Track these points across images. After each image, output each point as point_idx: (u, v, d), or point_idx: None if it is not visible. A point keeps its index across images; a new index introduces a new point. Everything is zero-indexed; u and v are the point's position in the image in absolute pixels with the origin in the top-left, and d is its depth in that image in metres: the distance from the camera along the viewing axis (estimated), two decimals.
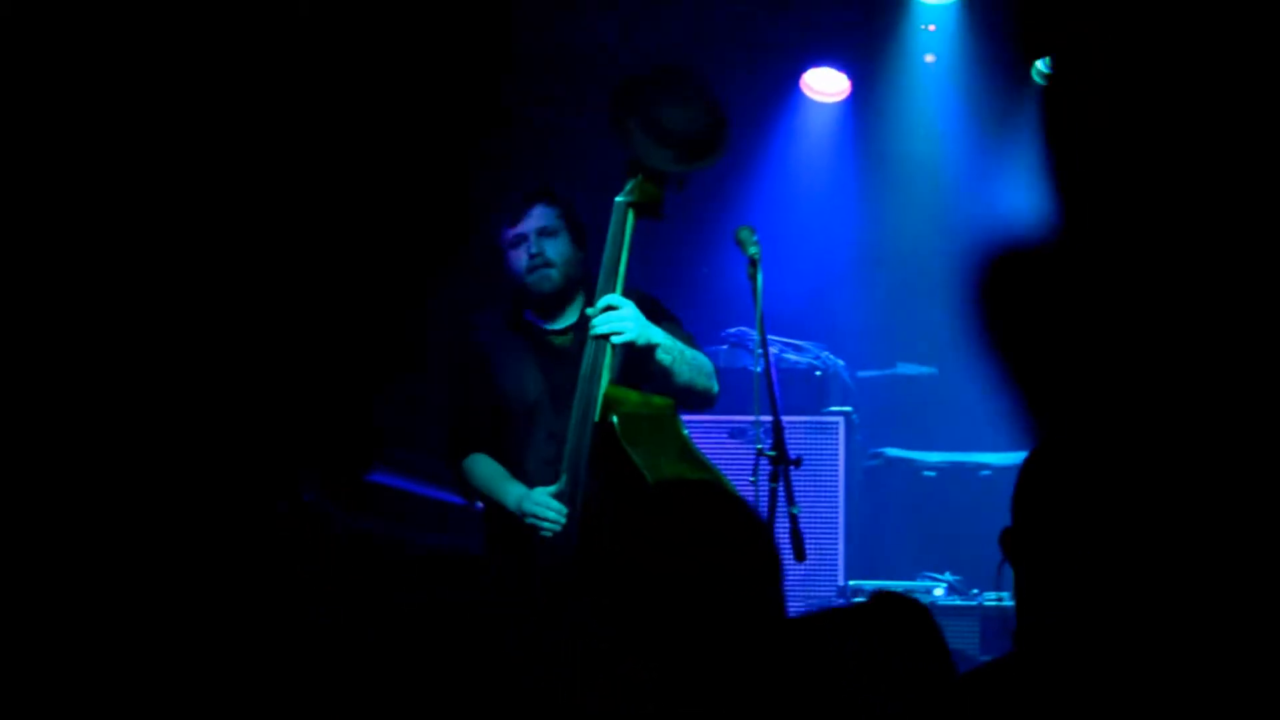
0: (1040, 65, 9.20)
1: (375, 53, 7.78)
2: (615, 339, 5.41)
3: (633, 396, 5.47)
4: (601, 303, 5.46)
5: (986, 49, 9.31)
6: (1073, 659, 2.77)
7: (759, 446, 5.51)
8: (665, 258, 8.71)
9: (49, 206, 6.49)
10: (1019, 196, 9.02)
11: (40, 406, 6.45)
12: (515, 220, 5.81)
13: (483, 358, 5.83)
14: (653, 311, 5.63)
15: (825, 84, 9.44)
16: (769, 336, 5.67)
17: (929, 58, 9.42)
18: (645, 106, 5.59)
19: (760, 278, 5.58)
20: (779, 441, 5.45)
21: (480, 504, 6.11)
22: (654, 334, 5.51)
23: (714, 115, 5.64)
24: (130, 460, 6.72)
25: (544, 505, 5.50)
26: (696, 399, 5.66)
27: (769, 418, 5.50)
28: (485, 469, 5.78)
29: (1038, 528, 2.85)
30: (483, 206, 7.69)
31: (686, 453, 5.45)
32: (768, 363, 5.51)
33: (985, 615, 7.58)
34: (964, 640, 7.52)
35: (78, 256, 6.69)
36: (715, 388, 5.70)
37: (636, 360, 5.51)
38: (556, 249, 5.79)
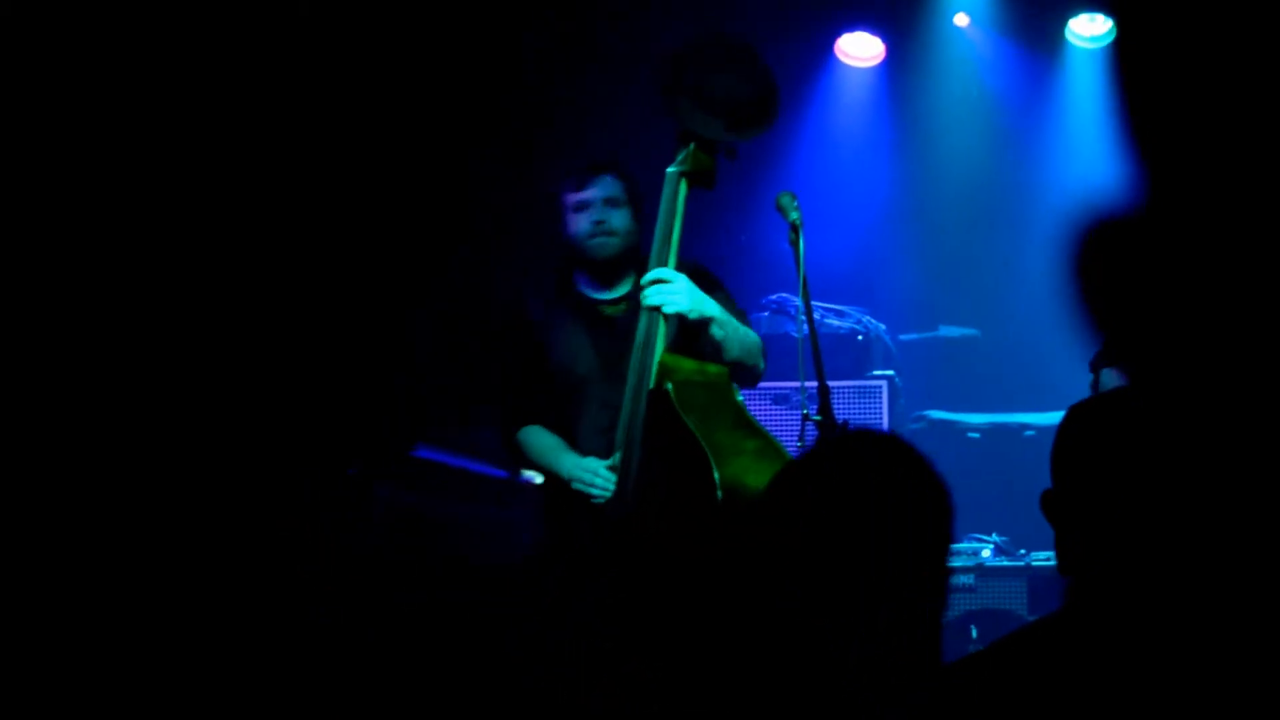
0: (1074, 26, 9.19)
1: (400, 26, 7.80)
2: (667, 309, 5.43)
3: (687, 364, 5.48)
4: (652, 275, 5.48)
5: (1020, 10, 9.30)
6: (1116, 620, 2.78)
7: (805, 411, 5.53)
8: (706, 226, 8.72)
9: (50, 206, 6.53)
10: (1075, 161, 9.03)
11: (55, 398, 6.50)
12: (581, 185, 5.83)
13: (535, 331, 5.86)
14: (707, 284, 5.65)
15: (859, 49, 9.44)
16: (811, 303, 5.68)
17: (962, 20, 9.41)
18: (695, 75, 5.60)
19: (802, 243, 5.59)
20: (825, 406, 5.46)
21: (526, 477, 6.14)
22: (708, 307, 5.53)
23: (764, 82, 5.65)
24: (166, 445, 6.77)
25: (592, 472, 5.53)
26: (744, 375, 5.66)
27: (814, 383, 5.52)
28: (540, 440, 5.81)
29: (1078, 489, 2.86)
30: (535, 178, 7.73)
31: (742, 420, 5.46)
32: (812, 328, 5.51)
33: (1033, 576, 7.59)
34: (1012, 600, 7.53)
35: (93, 253, 6.74)
36: (762, 365, 5.72)
37: (689, 333, 5.52)
38: (620, 219, 5.82)
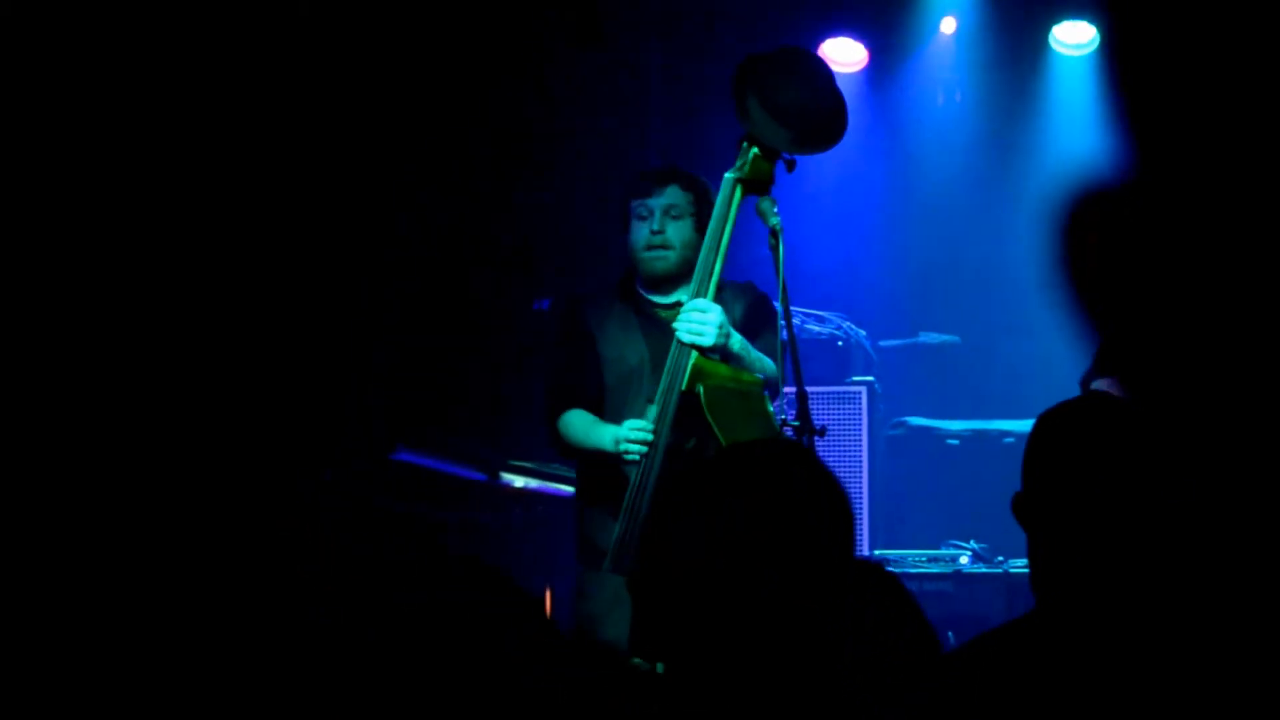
0: (1058, 32, 9.20)
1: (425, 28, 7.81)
2: (697, 344, 5.46)
3: (722, 370, 5.50)
4: (691, 306, 5.50)
5: (1004, 17, 9.31)
6: (1086, 623, 2.78)
7: (783, 417, 5.53)
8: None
9: (40, 206, 6.52)
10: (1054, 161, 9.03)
11: (47, 399, 6.49)
12: (646, 193, 5.82)
13: (588, 333, 5.87)
14: (756, 310, 5.78)
15: (842, 54, 9.44)
16: (791, 308, 5.68)
17: (947, 26, 9.42)
18: (769, 84, 5.60)
19: (782, 249, 5.59)
20: (803, 411, 5.47)
21: (505, 480, 6.14)
22: (732, 341, 5.56)
23: (835, 100, 5.66)
24: (147, 447, 6.75)
25: (634, 427, 5.53)
26: None
27: (792, 389, 5.52)
28: (580, 420, 5.80)
29: (1048, 493, 2.87)
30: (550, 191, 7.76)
31: (770, 431, 5.47)
32: (791, 334, 5.52)
33: (1010, 583, 7.60)
34: (989, 607, 7.54)
35: (87, 252, 6.72)
36: (772, 396, 5.72)
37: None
38: (679, 232, 5.81)
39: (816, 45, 9.38)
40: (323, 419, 7.64)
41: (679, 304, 5.77)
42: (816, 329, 8.34)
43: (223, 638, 5.67)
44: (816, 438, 5.49)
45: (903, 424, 8.62)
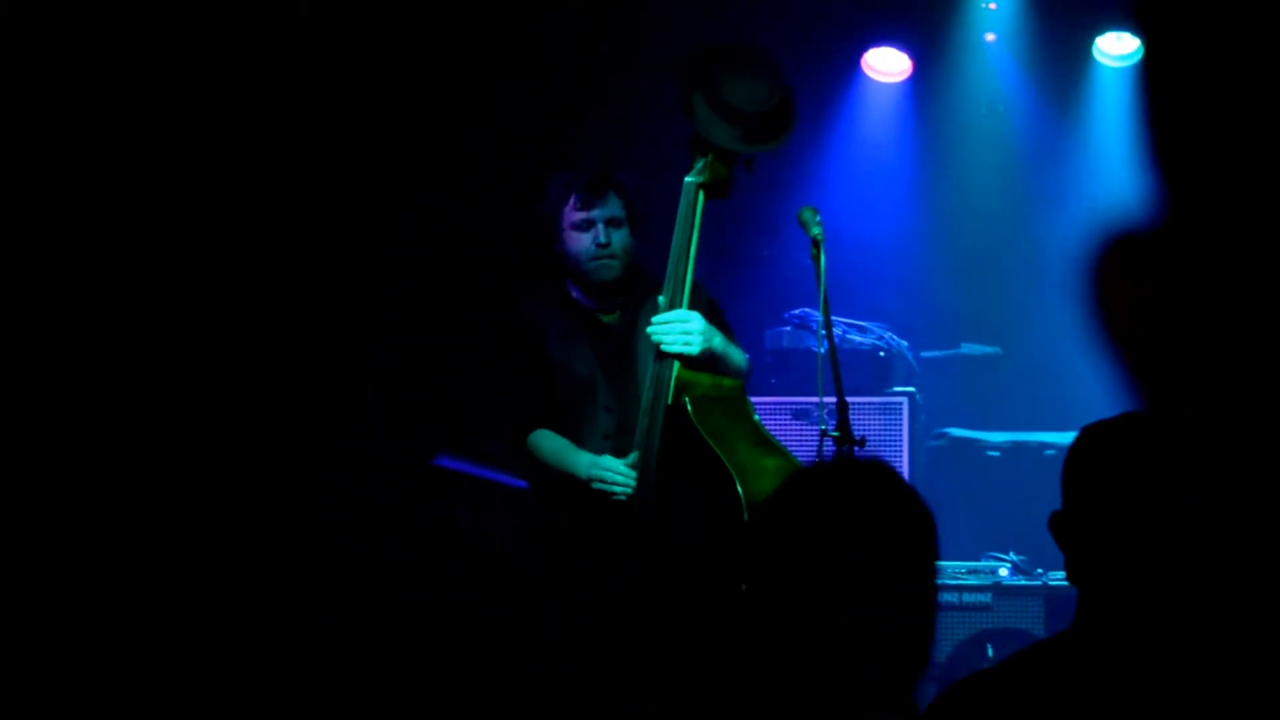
0: (1101, 43, 9.17)
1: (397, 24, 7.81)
2: (688, 354, 5.45)
3: (703, 379, 5.49)
4: (671, 316, 5.49)
5: (1047, 27, 9.28)
6: (1125, 640, 2.77)
7: (823, 427, 5.52)
8: (728, 239, 8.72)
9: (50, 206, 6.54)
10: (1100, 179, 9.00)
11: (57, 399, 6.51)
12: (585, 204, 5.78)
13: (535, 338, 5.85)
14: (710, 312, 5.70)
15: (886, 64, 9.42)
16: (832, 318, 5.67)
17: (990, 37, 9.40)
18: (713, 84, 5.57)
19: (823, 259, 5.58)
20: (843, 422, 5.46)
21: (518, 483, 6.14)
22: (715, 341, 5.55)
23: (783, 93, 5.63)
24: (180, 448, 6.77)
25: (613, 470, 5.53)
26: None
27: (833, 399, 5.51)
28: (552, 443, 5.78)
29: (1086, 509, 2.86)
30: (539, 185, 7.71)
31: (758, 435, 5.47)
32: (832, 344, 5.51)
33: (1050, 595, 7.57)
34: (1029, 620, 7.51)
35: (96, 253, 6.74)
36: (742, 383, 5.71)
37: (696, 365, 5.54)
38: (621, 240, 5.79)
39: (860, 55, 9.36)
40: (325, 419, 7.65)
41: (618, 308, 5.77)
42: (858, 339, 8.33)
43: (222, 637, 5.68)
44: (856, 448, 5.49)
45: (944, 435, 8.60)
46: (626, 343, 5.63)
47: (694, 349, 5.45)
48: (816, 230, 5.61)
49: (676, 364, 5.42)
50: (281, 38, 7.16)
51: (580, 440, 5.70)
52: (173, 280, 6.85)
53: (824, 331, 5.56)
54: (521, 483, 7.90)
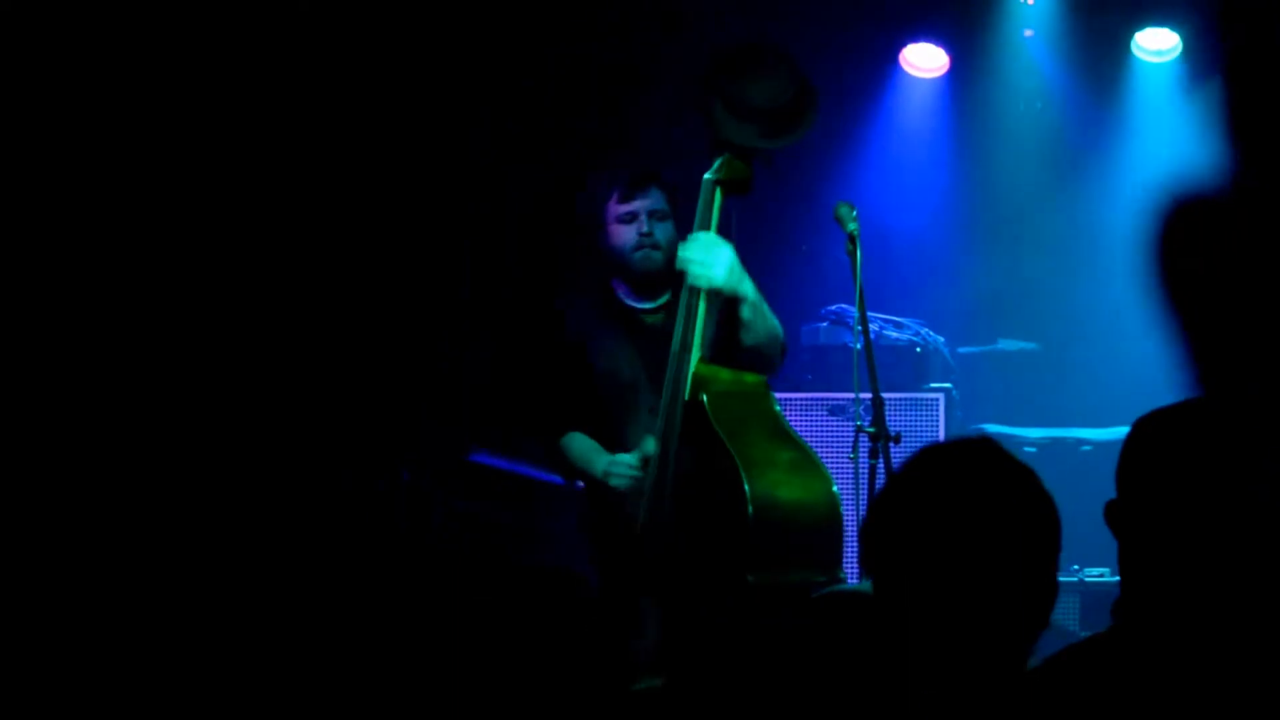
0: (1140, 39, 9.14)
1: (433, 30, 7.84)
2: (703, 282, 5.44)
3: (724, 374, 5.49)
4: (699, 244, 5.50)
5: (1086, 23, 9.26)
6: (1176, 634, 2.76)
7: (859, 423, 5.52)
8: (767, 234, 8.71)
9: (57, 206, 6.57)
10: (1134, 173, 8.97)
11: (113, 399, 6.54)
12: (627, 197, 5.80)
13: (577, 345, 5.87)
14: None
15: (924, 59, 9.41)
16: (869, 314, 5.68)
17: (1028, 32, 9.37)
18: (728, 83, 5.59)
19: (859, 254, 5.59)
20: (879, 417, 5.47)
21: (580, 483, 6.17)
22: (745, 286, 5.55)
23: (798, 88, 5.64)
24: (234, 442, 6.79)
25: (622, 464, 5.56)
26: (761, 363, 5.66)
27: (868, 394, 5.52)
28: (580, 445, 5.83)
29: (1143, 500, 2.84)
30: (574, 184, 7.73)
31: (778, 431, 5.47)
32: (867, 339, 5.52)
33: (1086, 591, 7.55)
34: (1064, 616, 7.50)
35: (148, 253, 6.77)
36: (779, 360, 5.74)
37: (720, 306, 5.53)
38: (665, 232, 5.81)
39: (898, 51, 9.35)
40: (400, 421, 7.67)
41: (663, 307, 5.78)
42: (894, 335, 8.32)
43: (254, 638, 5.70)
44: (892, 444, 5.49)
45: (979, 431, 8.58)
46: (669, 344, 5.64)
47: (718, 276, 5.46)
48: (853, 226, 5.62)
49: (695, 359, 5.44)
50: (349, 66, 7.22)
51: (625, 441, 5.73)
52: (255, 288, 6.90)
53: (860, 327, 5.57)
54: (558, 478, 7.92)
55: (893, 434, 5.49)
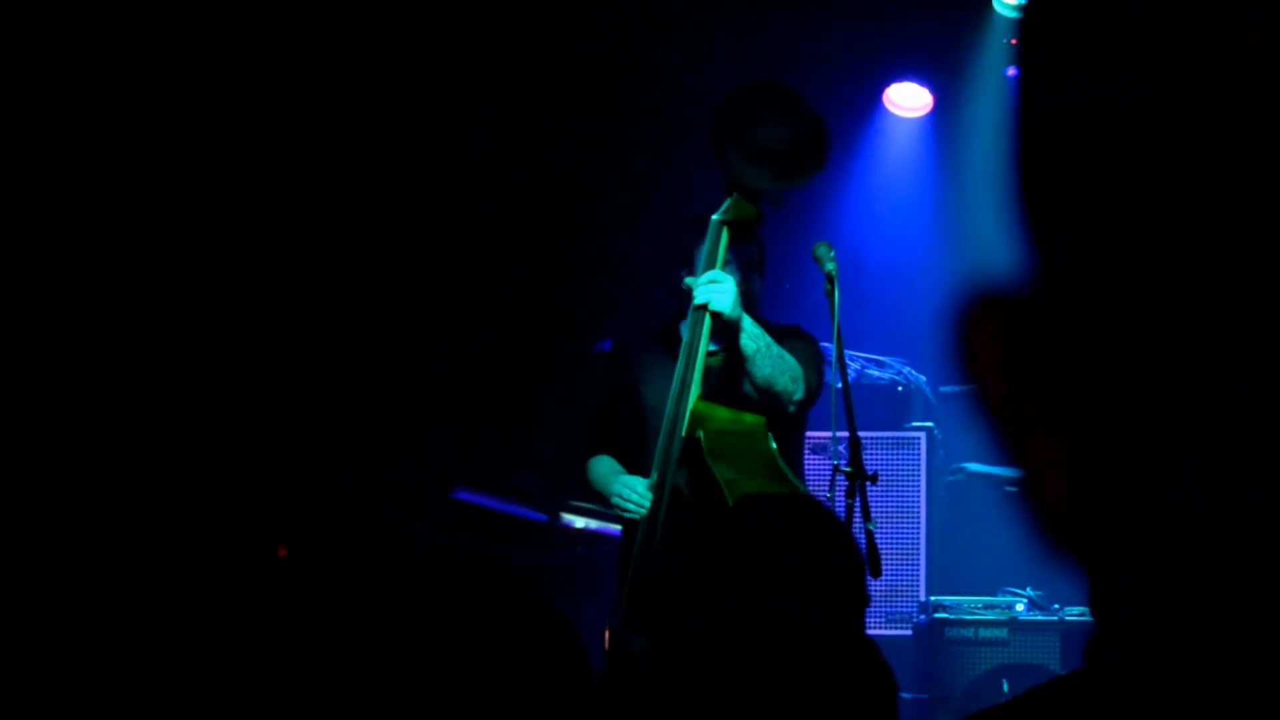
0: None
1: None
2: (713, 305, 5.46)
3: (723, 413, 5.51)
4: (706, 276, 5.51)
5: None
6: (1147, 670, 2.76)
7: (835, 463, 5.54)
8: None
9: (62, 207, 6.58)
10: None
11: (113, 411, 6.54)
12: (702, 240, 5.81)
13: (632, 377, 5.90)
14: (789, 331, 5.77)
15: (908, 99, 9.44)
16: (851, 352, 5.70)
17: (1012, 71, 9.40)
18: (741, 126, 5.61)
19: (837, 294, 5.60)
20: (855, 457, 5.48)
21: (565, 521, 6.19)
22: (746, 319, 5.56)
23: (808, 130, 5.66)
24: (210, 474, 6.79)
25: (630, 488, 5.58)
26: (776, 399, 5.64)
27: (846, 434, 5.53)
28: (603, 465, 5.87)
29: (1106, 536, 2.84)
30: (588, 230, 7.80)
31: (774, 470, 5.48)
32: (845, 379, 5.53)
33: (1067, 631, 7.55)
34: (1045, 655, 7.49)
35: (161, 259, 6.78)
36: (799, 394, 5.68)
37: (721, 334, 5.54)
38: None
39: (881, 90, 9.38)
40: (384, 457, 7.67)
41: (721, 350, 5.78)
42: (876, 374, 8.33)
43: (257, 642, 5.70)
44: (870, 484, 5.50)
45: (961, 470, 8.59)
46: (720, 381, 5.67)
47: (726, 302, 5.47)
48: (830, 265, 5.64)
49: (694, 396, 5.45)
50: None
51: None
52: (236, 314, 6.90)
53: (839, 366, 5.58)
54: (541, 516, 7.92)
55: (870, 473, 5.50)
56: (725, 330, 5.52)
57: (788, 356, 5.65)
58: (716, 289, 5.48)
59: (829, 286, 5.62)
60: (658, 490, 5.50)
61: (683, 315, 5.82)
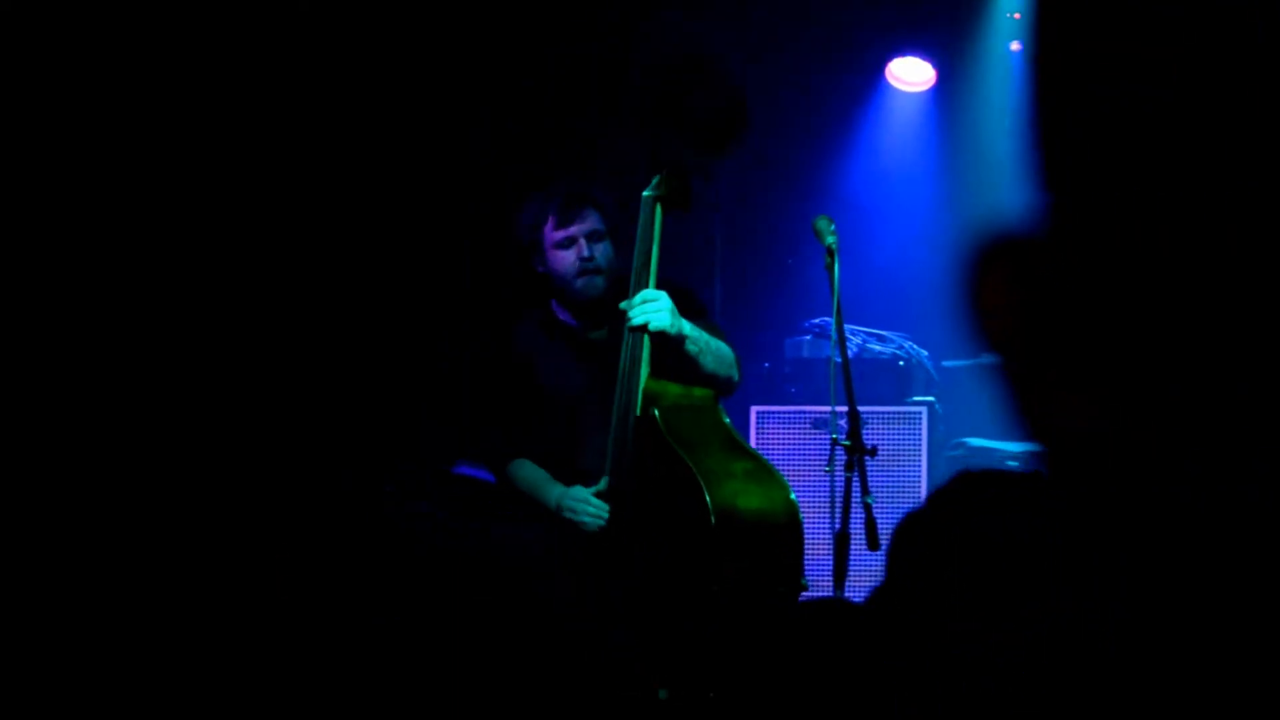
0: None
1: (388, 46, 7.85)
2: (652, 326, 5.45)
3: (673, 389, 5.52)
4: (639, 297, 5.50)
5: None
6: (1133, 660, 2.77)
7: (834, 435, 5.54)
8: (751, 248, 8.73)
9: (66, 207, 6.58)
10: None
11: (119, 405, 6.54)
12: (565, 222, 5.82)
13: (524, 365, 5.89)
14: (685, 302, 5.70)
15: (911, 73, 9.42)
16: (852, 327, 5.69)
17: (1015, 46, 9.39)
18: (663, 98, 5.61)
19: (837, 268, 5.60)
20: (855, 431, 5.48)
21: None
22: (684, 325, 5.56)
23: (730, 101, 5.65)
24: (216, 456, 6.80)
25: (582, 500, 5.58)
26: (719, 386, 5.69)
27: (845, 407, 5.54)
28: (528, 474, 5.86)
29: (1099, 529, 2.84)
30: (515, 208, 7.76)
31: (730, 442, 5.51)
32: (844, 353, 5.52)
33: None
34: None
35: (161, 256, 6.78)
36: (736, 376, 5.76)
37: (665, 349, 5.55)
38: (605, 254, 5.83)
39: (885, 65, 9.37)
40: (385, 432, 7.67)
41: (605, 322, 5.78)
42: (878, 348, 8.32)
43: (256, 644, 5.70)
44: (869, 458, 5.51)
45: (962, 445, 8.57)
46: (614, 359, 5.66)
47: (663, 321, 5.46)
48: (831, 239, 5.63)
49: (644, 375, 5.46)
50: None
51: (575, 459, 5.76)
52: (242, 300, 6.91)
53: (838, 338, 5.58)
54: None
55: (869, 448, 5.50)
56: (667, 344, 5.52)
57: (722, 345, 5.67)
58: (652, 308, 5.49)
59: (829, 260, 5.62)
60: (614, 477, 5.49)
61: (561, 299, 5.89)
